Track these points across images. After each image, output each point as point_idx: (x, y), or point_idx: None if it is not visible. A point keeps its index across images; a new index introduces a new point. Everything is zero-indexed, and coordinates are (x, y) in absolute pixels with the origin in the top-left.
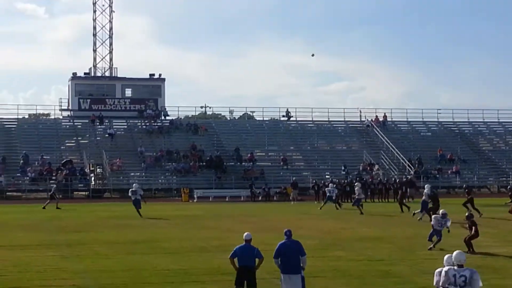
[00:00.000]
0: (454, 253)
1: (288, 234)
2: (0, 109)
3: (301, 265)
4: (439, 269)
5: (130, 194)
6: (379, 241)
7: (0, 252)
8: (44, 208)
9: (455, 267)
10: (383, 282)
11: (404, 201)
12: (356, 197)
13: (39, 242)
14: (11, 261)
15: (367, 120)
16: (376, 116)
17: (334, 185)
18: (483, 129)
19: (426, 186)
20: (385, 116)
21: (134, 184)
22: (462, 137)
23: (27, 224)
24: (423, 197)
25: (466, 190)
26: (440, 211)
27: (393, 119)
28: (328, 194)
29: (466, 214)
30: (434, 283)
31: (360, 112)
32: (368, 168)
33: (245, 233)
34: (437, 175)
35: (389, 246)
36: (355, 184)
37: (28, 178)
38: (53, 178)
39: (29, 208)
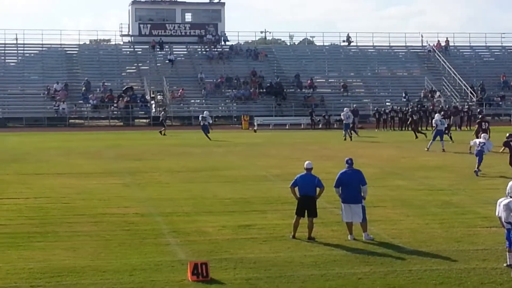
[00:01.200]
0: (510, 183)
1: (350, 163)
2: (62, 35)
3: (362, 194)
4: (500, 200)
5: (200, 119)
6: (440, 170)
7: (64, 179)
8: (164, 134)
9: None
10: (443, 212)
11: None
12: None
13: (102, 170)
14: (75, 188)
15: (429, 45)
16: (438, 41)
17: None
18: None
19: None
20: (447, 41)
21: (204, 112)
22: None
23: (90, 152)
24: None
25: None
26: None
27: (455, 44)
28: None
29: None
30: (496, 213)
31: (422, 36)
32: (429, 95)
33: (306, 162)
34: (500, 102)
35: (450, 175)
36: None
37: (90, 105)
38: (115, 105)
39: (92, 136)
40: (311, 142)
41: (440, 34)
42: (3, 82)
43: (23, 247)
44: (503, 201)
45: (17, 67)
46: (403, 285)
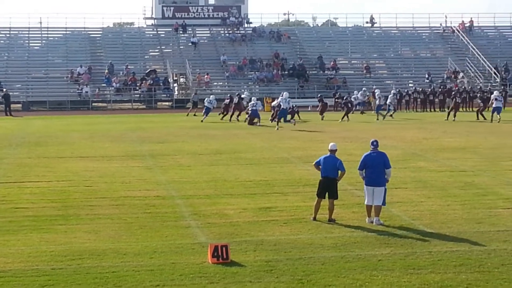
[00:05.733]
0: None
1: (375, 145)
2: (85, 19)
3: (386, 177)
4: None
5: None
6: (462, 152)
7: (87, 163)
8: (194, 115)
9: None
10: (465, 193)
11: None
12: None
13: (124, 153)
14: (98, 171)
15: (452, 27)
16: (462, 21)
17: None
18: None
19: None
20: (471, 21)
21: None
22: None
23: (113, 135)
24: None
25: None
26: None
27: (480, 25)
28: (495, 104)
29: None
30: None
31: (446, 17)
32: (453, 76)
33: (331, 144)
34: None
35: (472, 156)
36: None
37: (113, 88)
38: (138, 88)
39: (115, 119)
40: (334, 124)
41: (465, 14)
42: (27, 66)
43: (45, 230)
44: None
45: (41, 50)
46: (423, 266)
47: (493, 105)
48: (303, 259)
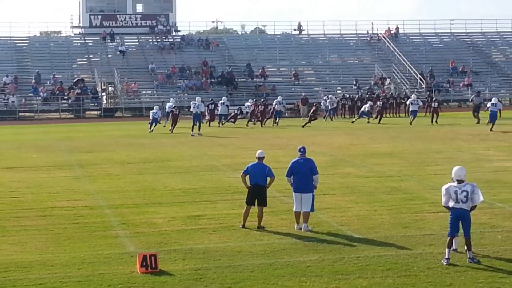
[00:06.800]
0: (454, 169)
1: (302, 151)
2: (11, 27)
3: (313, 183)
4: (444, 186)
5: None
6: (389, 157)
7: (14, 173)
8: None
9: (455, 183)
10: (392, 198)
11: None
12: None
13: (52, 163)
14: (24, 182)
15: (379, 33)
16: (388, 28)
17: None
18: (496, 40)
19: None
20: (397, 28)
21: (197, 98)
22: (474, 48)
23: (40, 145)
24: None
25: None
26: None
27: (405, 31)
28: (411, 108)
29: None
30: (443, 203)
31: (372, 24)
32: (380, 82)
33: (258, 151)
34: (449, 88)
35: (399, 161)
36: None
37: (40, 98)
38: (65, 97)
39: (42, 129)
40: (263, 131)
41: (391, 21)
42: None
43: None
44: (444, 185)
45: None
46: (351, 271)
47: (410, 109)
48: (232, 266)
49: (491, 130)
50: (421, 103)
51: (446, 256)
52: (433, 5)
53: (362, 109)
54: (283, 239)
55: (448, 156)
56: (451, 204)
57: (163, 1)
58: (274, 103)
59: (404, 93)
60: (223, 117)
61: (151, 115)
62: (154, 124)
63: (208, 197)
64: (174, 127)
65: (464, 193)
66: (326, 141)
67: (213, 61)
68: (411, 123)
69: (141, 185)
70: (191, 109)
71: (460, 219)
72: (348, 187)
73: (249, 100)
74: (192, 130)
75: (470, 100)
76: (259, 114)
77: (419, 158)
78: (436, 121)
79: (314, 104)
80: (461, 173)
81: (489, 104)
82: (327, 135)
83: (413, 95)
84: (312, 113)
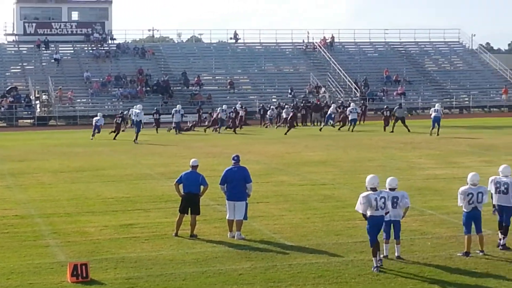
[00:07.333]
0: (388, 179)
1: (236, 159)
2: None
3: (247, 191)
4: (362, 194)
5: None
6: (323, 165)
7: None
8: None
9: (384, 190)
10: (325, 206)
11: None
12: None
13: None
14: None
15: (314, 42)
16: (324, 37)
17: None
18: (429, 49)
19: None
20: (332, 37)
21: (138, 106)
22: (408, 58)
23: None
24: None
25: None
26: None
27: (341, 40)
28: (350, 116)
29: None
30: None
31: (308, 33)
32: (315, 90)
33: (192, 160)
34: (383, 97)
35: (332, 170)
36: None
37: None
38: None
39: None
40: (198, 140)
41: (326, 30)
42: None
43: None
44: (361, 195)
45: None
46: (283, 279)
47: (349, 117)
48: (164, 275)
49: (437, 134)
50: (359, 111)
51: (375, 264)
52: (367, 14)
53: (328, 113)
54: (216, 247)
55: (381, 164)
56: (370, 212)
57: (99, 9)
58: (218, 111)
59: (340, 102)
60: (177, 126)
61: (93, 122)
62: (96, 131)
63: (141, 206)
64: (116, 135)
65: (383, 200)
66: (261, 149)
67: (148, 70)
68: (352, 131)
69: (73, 194)
70: (132, 117)
71: (380, 226)
72: (281, 195)
73: (237, 106)
74: (136, 138)
75: (394, 110)
76: (230, 121)
77: (352, 167)
78: (392, 130)
79: (292, 111)
80: (374, 181)
81: (431, 111)
82: (262, 144)
83: (352, 104)
84: (290, 119)
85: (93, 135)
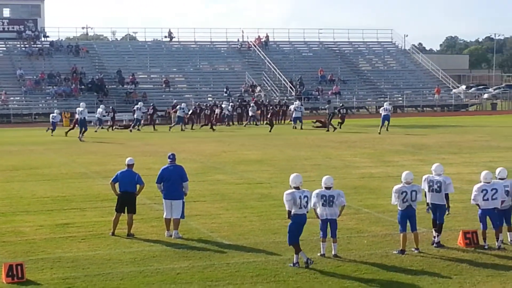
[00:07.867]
0: (324, 178)
1: (172, 158)
2: None
3: (184, 190)
4: (287, 192)
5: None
6: (259, 164)
7: None
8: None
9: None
10: (262, 205)
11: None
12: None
13: None
14: None
15: (249, 41)
16: (259, 36)
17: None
18: (362, 49)
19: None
20: (267, 37)
21: (81, 103)
22: (342, 57)
23: None
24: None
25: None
26: None
27: (276, 40)
28: (294, 114)
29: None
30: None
31: (243, 32)
32: (250, 89)
33: (128, 158)
34: (318, 96)
35: (269, 168)
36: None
37: None
38: None
39: None
40: (134, 138)
41: (261, 30)
42: None
43: None
44: (285, 192)
45: None
46: (221, 278)
47: (293, 115)
48: (101, 275)
49: (387, 129)
50: (304, 110)
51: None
52: (302, 14)
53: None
54: (153, 246)
55: (317, 163)
56: (294, 210)
57: (31, 6)
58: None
59: (276, 101)
60: (138, 122)
61: (50, 118)
62: (51, 128)
63: (77, 205)
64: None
65: (306, 199)
66: (197, 148)
67: (83, 68)
68: (301, 128)
69: (7, 193)
70: (76, 115)
71: (303, 225)
72: (218, 194)
73: (225, 102)
74: (81, 134)
75: (325, 107)
76: (205, 118)
77: (289, 165)
78: (340, 127)
79: (271, 107)
80: (297, 180)
81: (381, 110)
82: (198, 142)
83: (297, 102)
84: (270, 116)
85: (53, 130)
